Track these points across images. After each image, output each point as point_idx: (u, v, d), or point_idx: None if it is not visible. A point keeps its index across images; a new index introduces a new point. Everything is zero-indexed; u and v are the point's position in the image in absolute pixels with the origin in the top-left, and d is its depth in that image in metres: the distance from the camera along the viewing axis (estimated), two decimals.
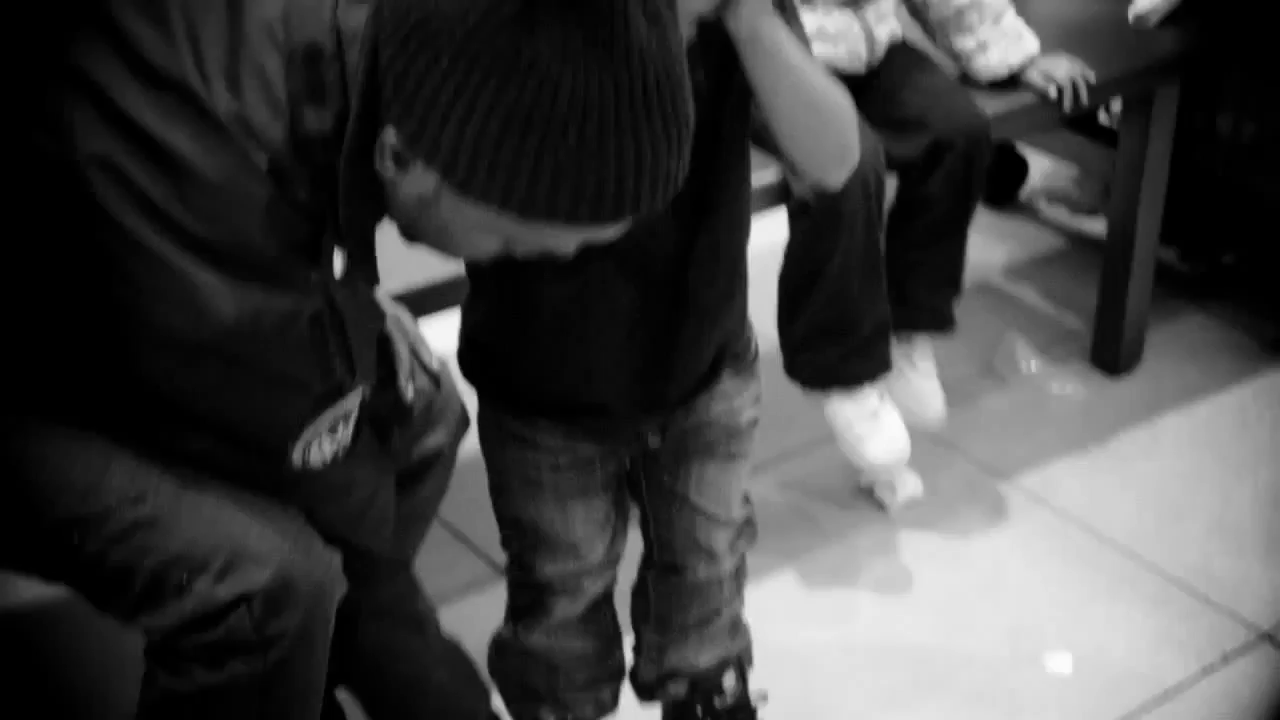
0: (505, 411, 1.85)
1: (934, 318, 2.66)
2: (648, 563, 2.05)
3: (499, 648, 2.05)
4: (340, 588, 1.66)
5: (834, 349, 2.52)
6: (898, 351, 2.61)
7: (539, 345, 1.76)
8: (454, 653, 1.89)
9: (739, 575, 2.07)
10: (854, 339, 2.51)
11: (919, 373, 2.67)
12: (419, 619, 1.84)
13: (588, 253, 1.53)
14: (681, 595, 2.04)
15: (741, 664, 2.13)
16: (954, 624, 2.48)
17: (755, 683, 2.16)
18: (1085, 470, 2.81)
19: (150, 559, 1.56)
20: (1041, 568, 2.60)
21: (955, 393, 2.71)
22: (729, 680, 2.12)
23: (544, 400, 1.81)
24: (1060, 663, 2.42)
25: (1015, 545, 2.65)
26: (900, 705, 2.33)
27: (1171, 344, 3.13)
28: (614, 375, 1.77)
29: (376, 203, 1.51)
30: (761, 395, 1.93)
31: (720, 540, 1.99)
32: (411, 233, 1.54)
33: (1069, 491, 2.75)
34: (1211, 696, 2.34)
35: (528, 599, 1.99)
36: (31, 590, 2.35)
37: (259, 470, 1.61)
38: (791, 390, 2.56)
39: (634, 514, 1.99)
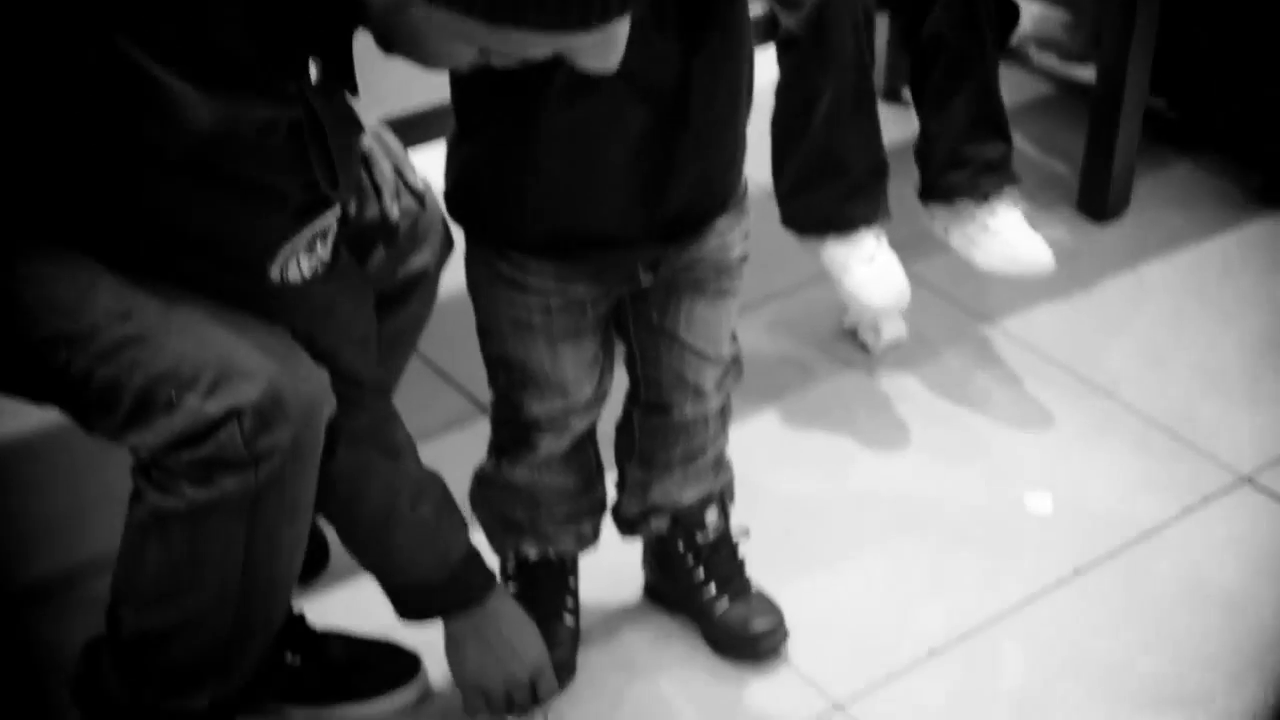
0: (498, 253, 1.82)
1: (993, 174, 2.55)
2: (633, 400, 2.05)
3: (481, 481, 2.06)
4: (330, 405, 1.65)
5: (827, 191, 2.49)
6: (976, 214, 2.54)
7: (543, 176, 1.74)
8: (433, 485, 1.85)
9: (724, 413, 2.07)
10: (847, 180, 2.47)
11: (1004, 226, 2.55)
12: (397, 448, 1.80)
13: (597, 79, 1.51)
14: (667, 433, 2.04)
15: (724, 500, 2.14)
16: (935, 465, 2.49)
17: (737, 519, 2.17)
18: (1069, 314, 2.80)
19: (138, 375, 1.55)
20: (1023, 410, 2.60)
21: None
22: (711, 515, 2.13)
23: (542, 236, 1.79)
24: (1040, 503, 2.43)
25: (998, 388, 2.65)
26: (880, 543, 2.34)
27: (1158, 191, 3.11)
28: (616, 200, 1.76)
29: (352, 10, 1.49)
30: (750, 233, 1.92)
31: (708, 378, 1.99)
32: (387, 43, 1.52)
33: (1053, 335, 2.75)
34: (1190, 537, 2.35)
35: (513, 435, 1.98)
36: (14, 421, 2.35)
37: (239, 288, 1.60)
38: (778, 231, 2.54)
39: (620, 352, 1.99)
